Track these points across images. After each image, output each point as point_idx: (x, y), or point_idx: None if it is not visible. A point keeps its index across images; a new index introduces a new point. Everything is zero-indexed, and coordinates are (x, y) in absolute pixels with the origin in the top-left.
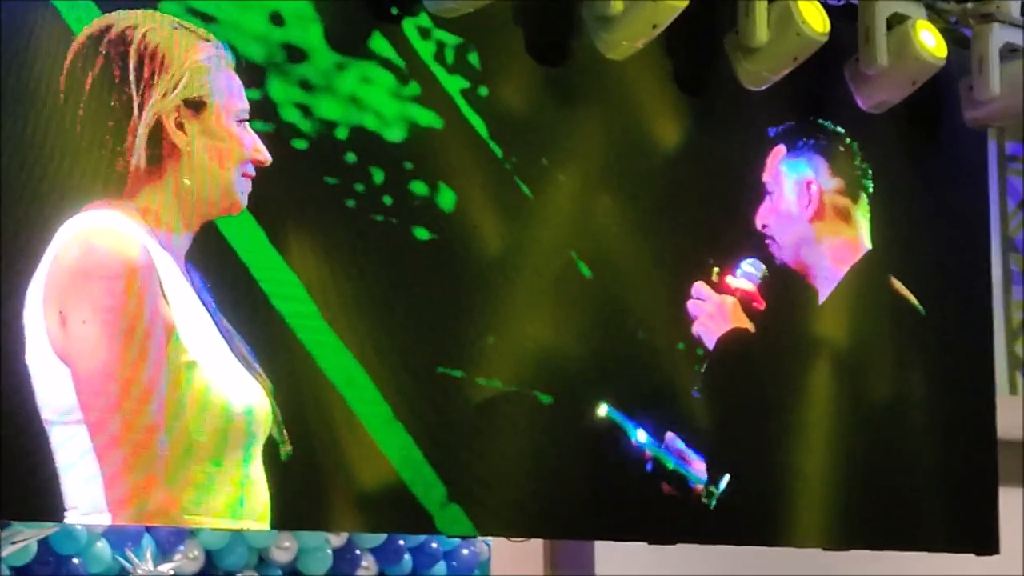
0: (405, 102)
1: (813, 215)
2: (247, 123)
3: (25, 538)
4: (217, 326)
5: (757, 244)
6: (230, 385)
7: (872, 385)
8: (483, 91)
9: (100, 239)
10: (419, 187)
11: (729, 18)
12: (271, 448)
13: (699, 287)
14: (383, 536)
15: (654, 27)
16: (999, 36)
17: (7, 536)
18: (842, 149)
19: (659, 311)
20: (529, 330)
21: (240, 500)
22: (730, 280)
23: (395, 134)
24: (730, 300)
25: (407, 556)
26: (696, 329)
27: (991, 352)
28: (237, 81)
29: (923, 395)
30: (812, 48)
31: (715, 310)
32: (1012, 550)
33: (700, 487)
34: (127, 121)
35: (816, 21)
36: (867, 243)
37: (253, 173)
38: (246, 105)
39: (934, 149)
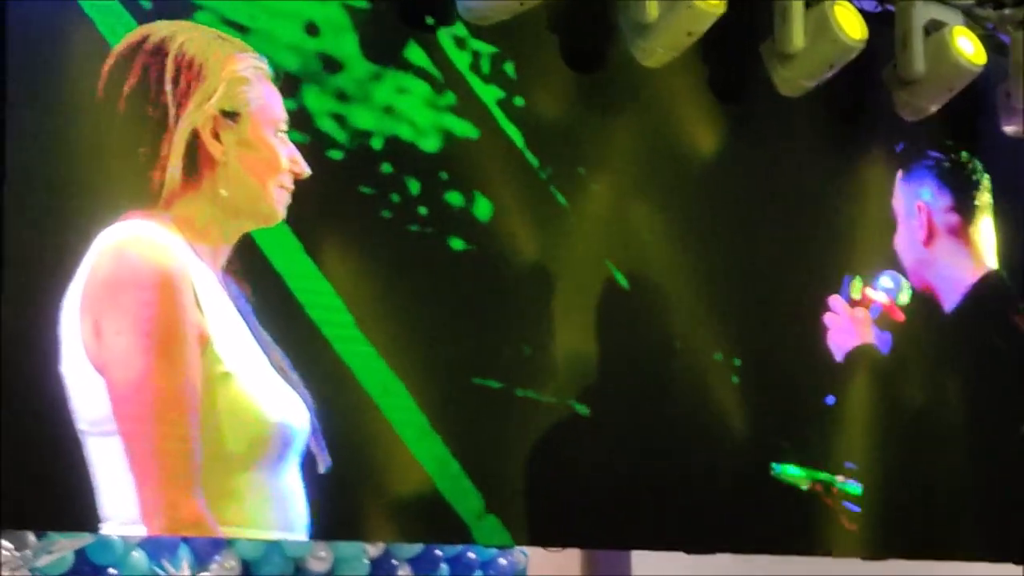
0: (441, 112)
1: (927, 238)
2: (286, 135)
3: (62, 548)
4: (254, 336)
5: (803, 253)
6: (266, 396)
7: (908, 393)
8: (519, 101)
9: (135, 249)
10: (455, 197)
11: (766, 25)
12: (309, 459)
13: (835, 300)
14: (420, 546)
15: (689, 34)
16: None
17: (44, 546)
18: (959, 169)
19: (696, 321)
20: (566, 341)
21: (276, 511)
22: (869, 292)
23: (430, 144)
24: (863, 315)
25: (444, 566)
26: (828, 341)
27: None
28: (276, 93)
29: (958, 405)
30: (849, 55)
31: (847, 325)
32: None
33: None
34: (163, 131)
35: (853, 27)
36: (989, 260)
37: (291, 186)
38: (285, 116)
39: (972, 156)
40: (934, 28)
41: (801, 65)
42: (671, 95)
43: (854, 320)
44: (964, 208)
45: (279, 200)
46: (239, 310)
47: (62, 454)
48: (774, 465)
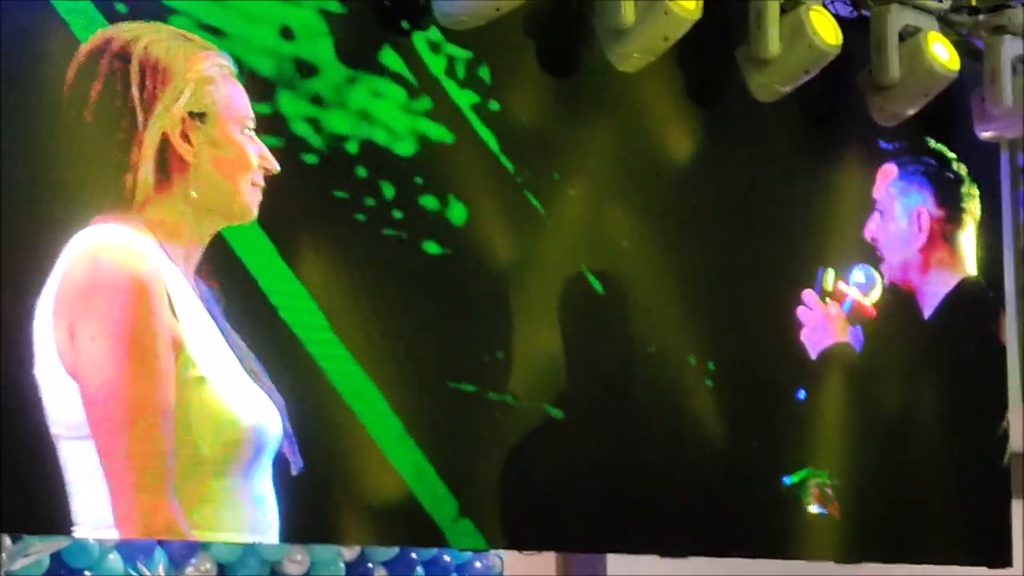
0: (416, 116)
1: (923, 244)
2: (253, 132)
3: (37, 551)
4: (227, 340)
5: (777, 256)
6: (239, 400)
7: (883, 396)
8: (494, 105)
9: (108, 254)
10: (429, 201)
11: (741, 30)
12: (282, 463)
13: (809, 295)
14: (395, 549)
15: (666, 39)
16: (1011, 48)
17: (19, 549)
18: (951, 176)
19: (670, 325)
20: (540, 344)
21: (248, 515)
22: (842, 286)
23: (405, 148)
24: (836, 311)
25: (420, 569)
26: (802, 337)
27: (1004, 364)
28: (241, 91)
29: (935, 409)
30: (824, 60)
31: (821, 321)
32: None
33: None
34: (132, 135)
35: (828, 33)
36: (970, 268)
37: (262, 182)
38: (251, 114)
39: (947, 161)
40: (909, 33)
41: (776, 70)
42: (647, 100)
43: (828, 317)
44: (955, 216)
45: (251, 197)
46: (212, 313)
47: (35, 457)
48: (784, 479)
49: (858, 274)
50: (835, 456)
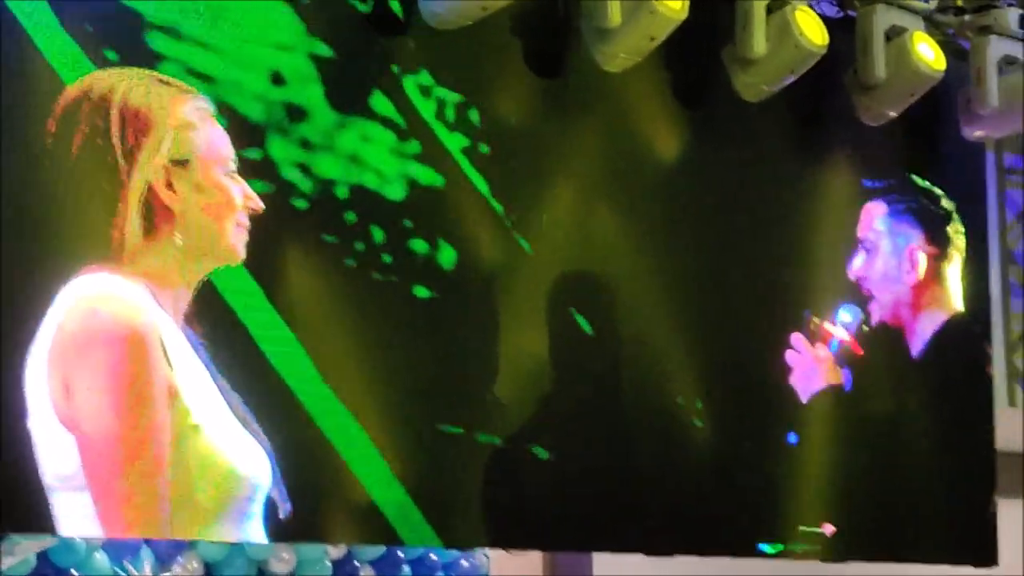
0: (406, 160)
1: (916, 282)
2: (236, 172)
3: (24, 550)
4: (217, 387)
5: (756, 270)
6: (232, 448)
7: (874, 407)
8: (484, 148)
9: (103, 306)
10: (419, 245)
11: (727, 30)
12: (271, 508)
13: (797, 339)
14: (382, 548)
15: (652, 39)
16: (997, 48)
17: (5, 548)
18: (941, 213)
19: (659, 366)
20: (528, 386)
21: None
22: (828, 327)
23: (395, 192)
24: (824, 354)
25: (406, 568)
26: (791, 381)
27: (990, 364)
28: (221, 132)
29: (922, 407)
30: (810, 60)
31: (811, 366)
32: (1012, 562)
33: None
34: (117, 186)
35: (815, 33)
36: (957, 305)
37: (247, 223)
38: (233, 155)
39: (933, 161)
40: (895, 33)
41: (763, 70)
42: (633, 100)
43: (817, 360)
44: (944, 253)
45: (237, 239)
46: (202, 360)
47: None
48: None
49: (845, 314)
50: (826, 489)
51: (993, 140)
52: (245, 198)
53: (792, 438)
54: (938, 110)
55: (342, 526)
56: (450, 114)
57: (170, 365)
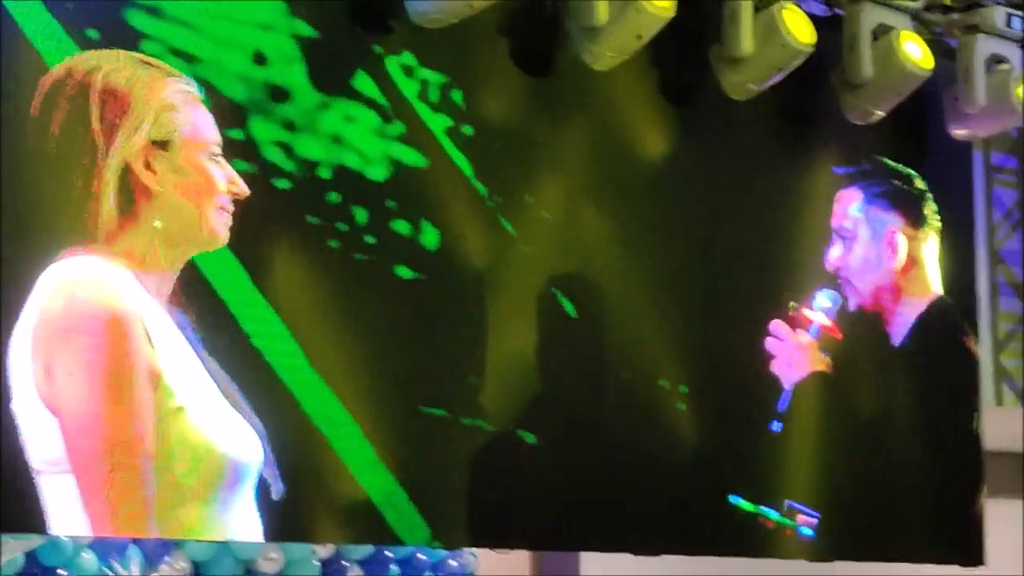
0: (389, 141)
1: (898, 266)
2: (221, 157)
3: (12, 549)
4: (204, 367)
5: (747, 266)
6: (218, 429)
7: (857, 398)
8: (467, 129)
9: (83, 290)
10: (402, 226)
11: (715, 29)
12: (263, 487)
13: (777, 325)
14: (370, 548)
15: (639, 38)
16: (984, 47)
17: None
18: (915, 194)
19: (643, 348)
20: (512, 369)
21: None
22: (807, 312)
23: (378, 173)
24: (806, 340)
25: (394, 568)
26: (773, 368)
27: (976, 375)
28: (207, 116)
29: (909, 406)
30: (798, 59)
31: (794, 353)
32: (998, 561)
33: None
34: (94, 166)
35: (802, 31)
36: (937, 288)
37: (231, 207)
38: (218, 139)
39: (920, 160)
40: (882, 32)
41: (750, 69)
42: (620, 98)
43: (800, 348)
44: (924, 235)
45: (219, 223)
46: (188, 341)
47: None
48: (730, 497)
49: (823, 299)
50: (811, 477)
51: (981, 139)
52: (229, 182)
53: (775, 426)
54: (925, 109)
55: (328, 511)
56: (433, 95)
57: (152, 347)
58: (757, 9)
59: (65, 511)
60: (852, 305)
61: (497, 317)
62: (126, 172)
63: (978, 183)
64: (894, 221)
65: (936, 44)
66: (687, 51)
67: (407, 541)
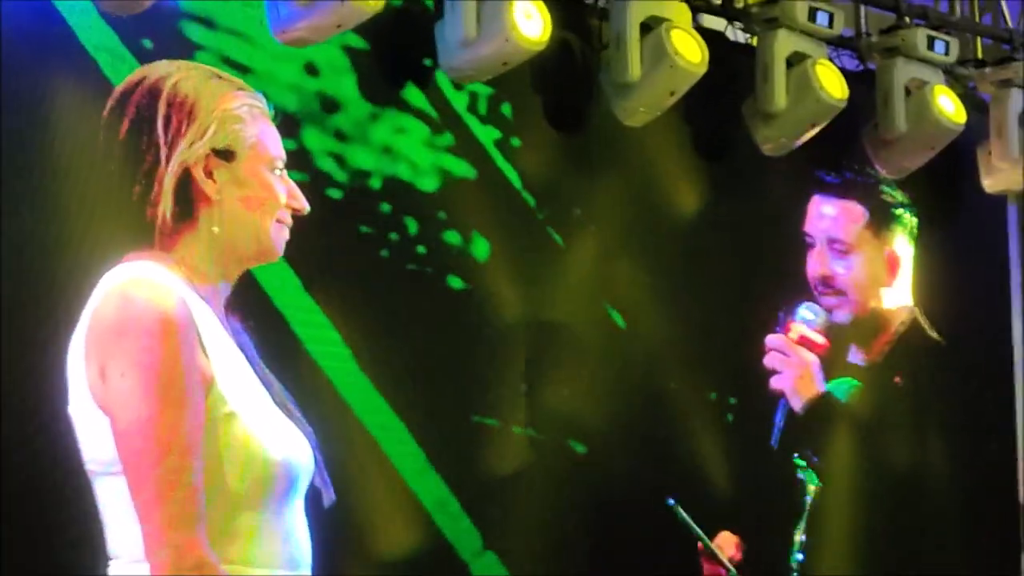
0: (438, 152)
1: (891, 281)
2: (284, 172)
3: None
4: (257, 374)
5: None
6: (270, 435)
7: (892, 452)
8: (515, 142)
9: (137, 292)
10: (453, 237)
11: (747, 84)
12: (314, 495)
13: (776, 340)
14: None
15: (672, 94)
16: (1017, 101)
17: None
18: (903, 207)
19: (691, 360)
20: (563, 379)
21: (281, 548)
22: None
23: (429, 184)
24: (813, 359)
25: None
26: (778, 384)
27: (1015, 419)
28: (273, 131)
29: (945, 461)
30: (831, 114)
31: (804, 370)
32: None
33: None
34: (155, 171)
35: (834, 86)
36: (908, 298)
37: (289, 221)
38: (282, 155)
39: (954, 216)
40: (915, 87)
41: (783, 124)
42: (654, 154)
43: (808, 363)
44: (904, 249)
45: (277, 236)
46: (242, 348)
47: (74, 495)
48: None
49: (805, 311)
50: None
51: (1016, 193)
52: (290, 197)
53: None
54: (959, 162)
55: (381, 518)
56: (482, 107)
57: (205, 353)
58: (790, 64)
59: (119, 513)
60: (842, 317)
61: (547, 326)
62: (186, 179)
63: (1013, 237)
64: (889, 236)
65: (969, 98)
66: (720, 106)
67: (459, 549)
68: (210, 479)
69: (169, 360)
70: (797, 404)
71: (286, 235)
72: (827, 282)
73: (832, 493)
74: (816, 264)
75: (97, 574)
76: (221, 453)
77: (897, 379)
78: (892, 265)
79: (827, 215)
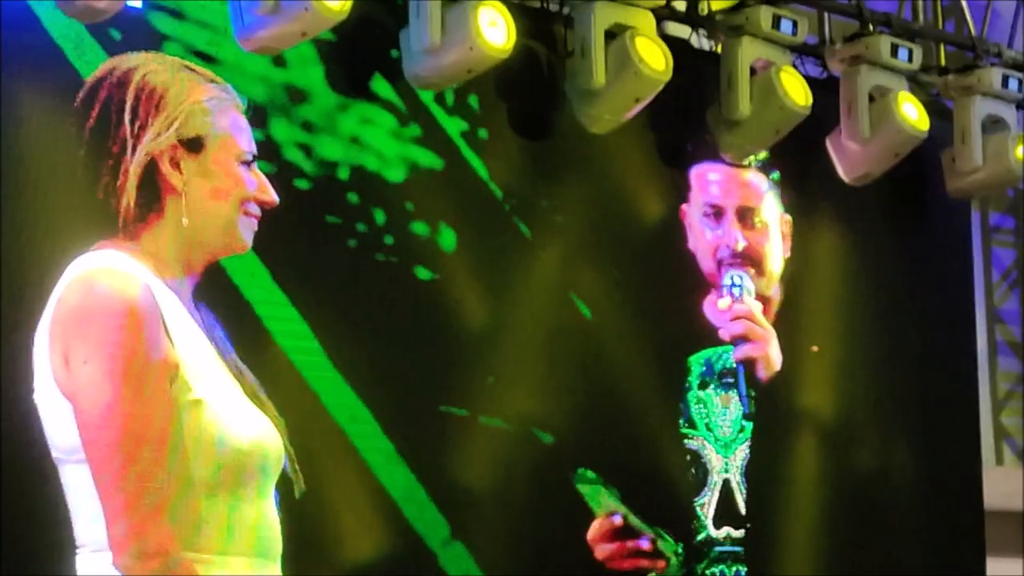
0: (406, 143)
1: (787, 248)
2: (254, 165)
3: None
4: (228, 364)
5: None
6: (239, 423)
7: (856, 456)
8: (483, 133)
9: (101, 280)
10: (420, 227)
11: (712, 91)
12: (286, 486)
13: (743, 308)
14: None
15: (637, 100)
16: (981, 107)
17: None
18: (774, 177)
19: (657, 350)
20: (530, 369)
21: (248, 536)
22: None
23: (396, 175)
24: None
25: None
26: (750, 352)
27: (977, 423)
28: (244, 123)
29: (908, 467)
30: (795, 121)
31: (773, 340)
32: None
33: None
34: (122, 162)
35: (798, 94)
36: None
37: (258, 213)
38: (252, 148)
39: (918, 221)
40: (879, 94)
41: (747, 131)
42: (618, 161)
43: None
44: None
45: (245, 229)
46: (212, 337)
47: (41, 482)
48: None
49: (739, 279)
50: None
51: (978, 199)
52: (259, 190)
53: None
54: (923, 169)
55: (342, 501)
56: (449, 98)
57: (171, 340)
58: (754, 71)
59: (83, 501)
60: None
61: (514, 316)
62: (153, 170)
63: (976, 243)
64: (778, 204)
65: (932, 105)
66: (685, 114)
67: (427, 539)
68: (177, 467)
69: (132, 347)
70: (762, 374)
71: (254, 227)
72: (746, 252)
73: (789, 480)
74: (729, 235)
75: (64, 563)
76: (187, 440)
77: (815, 348)
78: (787, 233)
79: (736, 183)
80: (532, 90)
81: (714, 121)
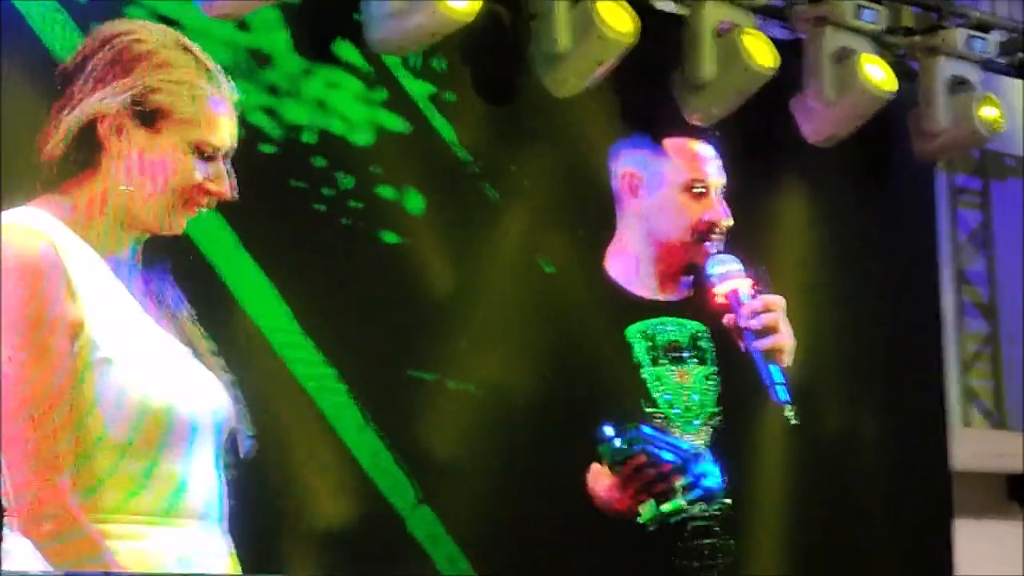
0: (372, 107)
1: None
2: (222, 160)
3: None
4: (162, 324)
5: None
6: (158, 382)
7: (823, 420)
8: (450, 96)
9: (4, 237)
10: (387, 191)
11: (676, 55)
12: (232, 444)
13: (777, 299)
14: None
15: (600, 64)
16: (946, 69)
17: None
18: None
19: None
20: (499, 332)
21: (166, 498)
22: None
23: (363, 138)
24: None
25: None
26: (779, 342)
27: (943, 385)
28: (225, 118)
29: (875, 429)
30: (759, 83)
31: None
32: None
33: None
34: (62, 114)
35: (763, 56)
36: None
37: (203, 203)
38: (222, 144)
39: (883, 182)
40: (844, 55)
41: (711, 95)
42: (583, 125)
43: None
44: None
45: (176, 214)
46: (148, 295)
47: None
48: None
49: (729, 264)
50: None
51: (944, 160)
52: (207, 179)
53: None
54: (888, 131)
55: (310, 466)
56: (415, 61)
57: (74, 297)
58: (718, 34)
59: None
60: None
61: (483, 280)
62: (92, 128)
63: (942, 204)
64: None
65: (898, 66)
66: (650, 77)
67: (395, 503)
68: (86, 426)
69: (28, 304)
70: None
71: (191, 214)
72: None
73: (757, 448)
74: (716, 212)
75: None
76: (93, 399)
77: None
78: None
79: (712, 160)
80: (498, 54)
81: (678, 85)
